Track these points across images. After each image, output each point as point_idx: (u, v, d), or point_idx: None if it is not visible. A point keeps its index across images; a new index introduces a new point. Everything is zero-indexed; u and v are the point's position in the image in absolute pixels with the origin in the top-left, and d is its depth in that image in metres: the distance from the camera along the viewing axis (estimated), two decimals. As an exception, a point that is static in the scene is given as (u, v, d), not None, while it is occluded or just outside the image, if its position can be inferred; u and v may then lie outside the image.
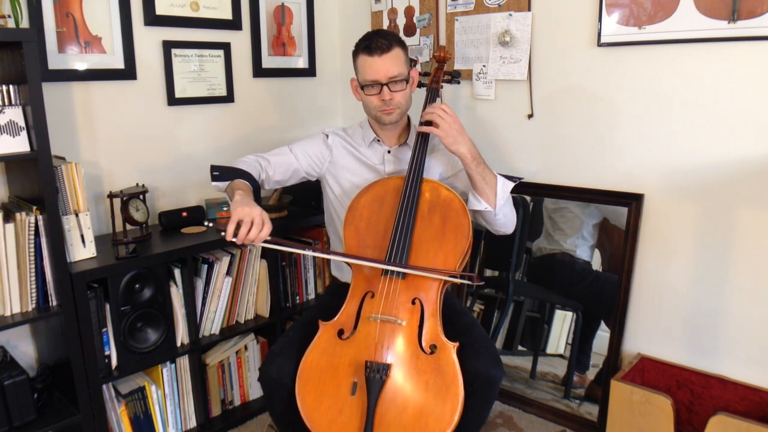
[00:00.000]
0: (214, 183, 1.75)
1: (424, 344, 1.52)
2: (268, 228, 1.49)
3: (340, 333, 1.57)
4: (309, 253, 1.67)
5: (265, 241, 1.51)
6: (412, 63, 1.80)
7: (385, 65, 1.70)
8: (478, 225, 1.78)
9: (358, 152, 1.88)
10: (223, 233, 1.46)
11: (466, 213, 1.64)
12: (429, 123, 1.71)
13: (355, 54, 1.77)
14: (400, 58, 1.73)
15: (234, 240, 1.47)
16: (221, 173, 1.74)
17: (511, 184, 1.73)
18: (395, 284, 1.58)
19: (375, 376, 1.47)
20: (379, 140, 1.86)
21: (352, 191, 1.78)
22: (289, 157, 1.87)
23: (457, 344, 1.51)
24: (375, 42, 1.70)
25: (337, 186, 1.88)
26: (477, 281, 1.59)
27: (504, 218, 1.75)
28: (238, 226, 1.47)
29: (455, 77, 2.03)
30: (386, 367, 1.48)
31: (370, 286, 1.61)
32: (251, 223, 1.47)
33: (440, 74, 1.93)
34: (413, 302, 1.57)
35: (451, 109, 1.70)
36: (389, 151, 1.86)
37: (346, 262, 1.65)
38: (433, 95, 1.86)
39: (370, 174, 1.85)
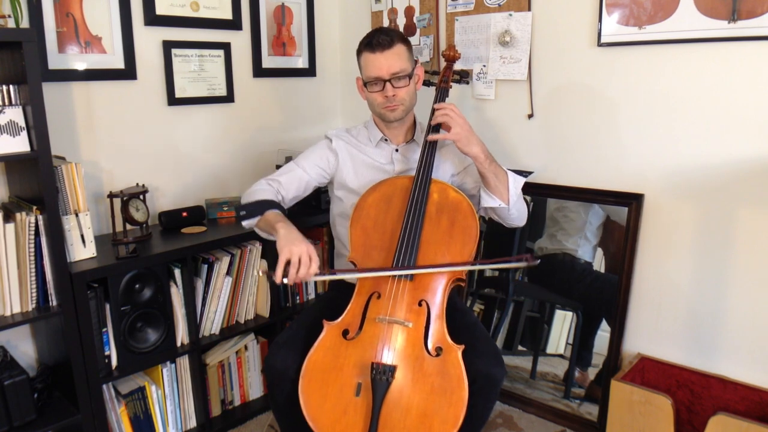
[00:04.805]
0: (244, 223, 1.72)
1: (430, 346, 1.52)
2: (316, 264, 1.49)
3: (345, 333, 1.55)
4: (356, 275, 1.64)
5: (317, 274, 1.51)
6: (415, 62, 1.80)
7: (388, 61, 1.69)
8: (482, 221, 1.76)
9: (364, 153, 1.85)
10: (272, 279, 1.48)
11: (474, 215, 1.63)
12: (438, 126, 1.69)
13: (359, 52, 1.76)
14: (402, 55, 1.72)
15: (285, 282, 1.47)
16: (248, 211, 1.71)
17: (522, 180, 1.73)
18: (403, 285, 1.57)
19: (381, 378, 1.46)
20: (386, 139, 1.85)
21: (359, 193, 1.75)
22: (298, 172, 1.83)
23: (463, 347, 1.50)
24: (377, 38, 1.69)
25: (343, 190, 1.85)
26: (531, 261, 1.48)
27: (517, 212, 1.76)
28: (287, 263, 1.47)
29: (464, 77, 2.01)
30: (392, 369, 1.48)
31: (377, 286, 1.60)
32: (299, 263, 1.47)
33: (449, 73, 1.90)
34: (420, 304, 1.56)
35: (458, 108, 1.69)
36: (397, 150, 1.84)
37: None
38: (442, 95, 1.84)
39: (377, 175, 1.81)
